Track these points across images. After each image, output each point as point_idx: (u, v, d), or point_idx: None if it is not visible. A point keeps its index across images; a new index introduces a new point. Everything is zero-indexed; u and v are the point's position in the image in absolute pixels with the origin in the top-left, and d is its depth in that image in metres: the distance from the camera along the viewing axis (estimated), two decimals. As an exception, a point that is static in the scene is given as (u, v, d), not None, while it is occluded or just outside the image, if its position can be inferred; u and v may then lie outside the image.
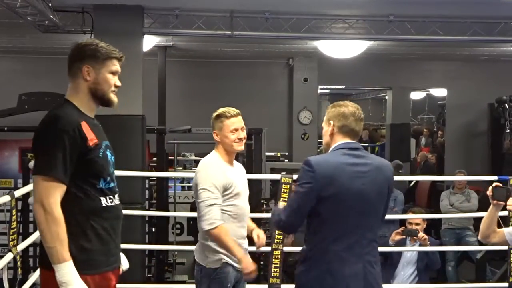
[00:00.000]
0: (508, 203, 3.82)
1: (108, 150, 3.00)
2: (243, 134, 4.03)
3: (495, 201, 3.82)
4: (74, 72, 2.97)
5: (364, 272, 3.24)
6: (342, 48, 8.90)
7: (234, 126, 3.98)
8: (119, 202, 3.04)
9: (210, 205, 3.82)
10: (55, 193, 2.77)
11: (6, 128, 8.10)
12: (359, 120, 3.32)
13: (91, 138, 2.89)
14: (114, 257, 3.01)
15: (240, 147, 4.03)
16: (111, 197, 2.97)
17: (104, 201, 2.93)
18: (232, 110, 4.03)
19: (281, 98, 11.75)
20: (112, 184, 2.98)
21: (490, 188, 3.84)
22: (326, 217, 3.22)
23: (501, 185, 3.89)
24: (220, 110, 4.05)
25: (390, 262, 6.27)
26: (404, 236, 6.08)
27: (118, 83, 3.03)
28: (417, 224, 6.17)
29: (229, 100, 10.71)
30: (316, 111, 11.90)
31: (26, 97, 8.82)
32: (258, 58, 11.23)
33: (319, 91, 12.40)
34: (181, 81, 11.23)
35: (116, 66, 3.01)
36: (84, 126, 2.88)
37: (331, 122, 3.33)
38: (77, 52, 3.00)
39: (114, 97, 3.03)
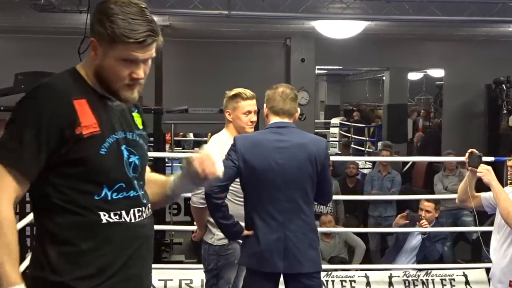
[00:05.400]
0: (478, 170, 3.96)
1: (123, 145, 2.08)
2: (255, 118, 4.17)
3: (470, 168, 3.99)
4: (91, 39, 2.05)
5: (285, 240, 3.53)
6: (340, 28, 8.87)
7: (248, 108, 4.12)
8: (139, 219, 2.11)
9: None
10: (7, 189, 1.93)
11: (2, 108, 8.04)
12: (288, 99, 3.66)
13: (87, 125, 1.98)
14: None
15: (251, 129, 4.15)
16: (118, 212, 2.05)
17: (104, 217, 2.02)
18: (248, 92, 4.16)
19: (278, 79, 11.61)
20: (124, 194, 2.06)
21: (466, 154, 4.03)
22: (248, 188, 3.62)
23: (476, 151, 4.04)
24: (236, 90, 4.16)
25: (396, 247, 6.28)
26: (408, 221, 6.07)
27: (137, 75, 2.04)
28: (428, 211, 6.13)
29: (226, 80, 10.77)
30: (313, 91, 11.83)
31: (23, 76, 8.75)
32: (255, 38, 11.15)
33: (317, 71, 12.35)
34: (178, 61, 11.16)
35: (134, 53, 2.00)
36: (80, 104, 1.99)
37: (266, 104, 3.72)
38: (94, 14, 2.04)
39: (126, 92, 2.06)
